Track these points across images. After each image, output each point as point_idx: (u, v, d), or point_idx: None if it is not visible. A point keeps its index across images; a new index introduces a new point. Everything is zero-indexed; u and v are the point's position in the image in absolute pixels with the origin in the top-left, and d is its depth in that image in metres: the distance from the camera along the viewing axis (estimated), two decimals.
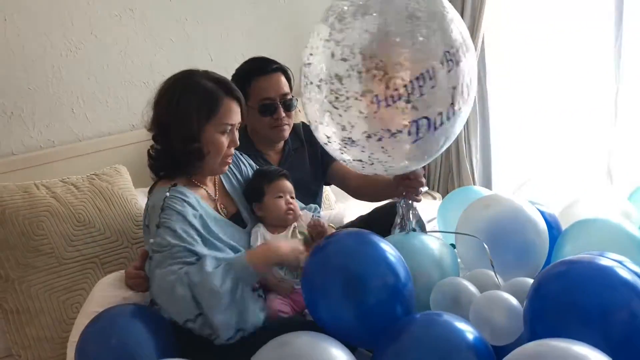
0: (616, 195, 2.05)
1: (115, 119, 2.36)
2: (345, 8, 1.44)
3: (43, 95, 2.16)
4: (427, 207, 2.36)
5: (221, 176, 1.75)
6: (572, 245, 1.65)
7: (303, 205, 1.85)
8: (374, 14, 1.40)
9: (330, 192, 2.75)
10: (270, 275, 1.63)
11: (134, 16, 2.39)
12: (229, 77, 1.93)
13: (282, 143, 2.12)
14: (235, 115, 1.62)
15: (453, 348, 1.18)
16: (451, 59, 1.40)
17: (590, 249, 1.53)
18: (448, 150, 3.46)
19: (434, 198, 3.17)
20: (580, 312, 1.16)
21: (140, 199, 2.03)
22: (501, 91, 3.27)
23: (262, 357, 1.17)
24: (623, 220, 1.71)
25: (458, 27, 1.47)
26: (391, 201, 2.14)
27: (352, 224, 2.20)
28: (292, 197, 1.78)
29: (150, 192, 1.66)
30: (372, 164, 1.54)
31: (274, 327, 1.45)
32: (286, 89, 2.02)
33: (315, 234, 1.69)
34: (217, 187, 1.73)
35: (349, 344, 1.27)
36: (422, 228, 1.93)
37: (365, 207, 2.27)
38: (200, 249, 1.48)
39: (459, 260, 1.66)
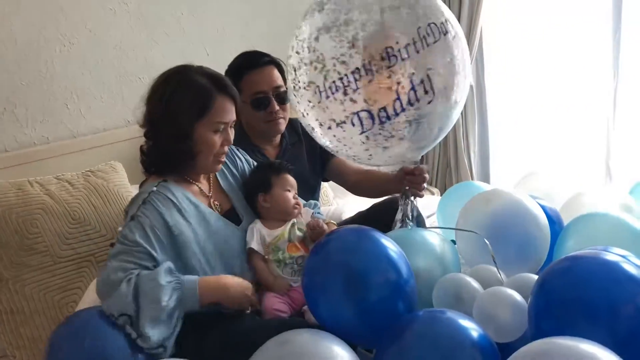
0: (617, 189, 2.03)
1: (110, 114, 2.33)
2: (314, 5, 1.59)
3: (36, 91, 2.12)
4: (426, 202, 2.34)
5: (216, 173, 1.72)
6: (574, 240, 1.62)
7: (303, 202, 1.83)
8: (322, 11, 1.53)
9: (328, 188, 2.73)
10: (265, 273, 1.62)
11: (128, 10, 2.35)
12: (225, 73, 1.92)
13: (279, 137, 2.09)
14: (228, 113, 1.58)
15: (457, 346, 1.16)
16: (394, 54, 1.46)
17: (592, 243, 1.50)
18: (446, 145, 3.45)
19: (432, 193, 3.16)
20: (586, 308, 1.14)
21: None
22: (499, 85, 3.26)
23: (262, 356, 1.15)
24: (625, 215, 1.69)
25: (413, 22, 1.51)
26: (390, 197, 2.13)
27: (351, 220, 2.19)
28: (296, 194, 1.76)
29: (141, 187, 1.64)
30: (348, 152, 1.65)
31: (272, 326, 1.42)
32: (279, 81, 1.99)
33: (314, 236, 1.66)
34: (211, 184, 1.70)
35: (350, 343, 1.25)
36: (421, 224, 1.92)
37: (363, 203, 2.25)
38: (161, 256, 1.46)
39: (459, 256, 1.64)
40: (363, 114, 1.51)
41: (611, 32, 2.79)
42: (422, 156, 2.01)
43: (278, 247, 1.65)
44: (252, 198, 1.72)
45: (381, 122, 1.52)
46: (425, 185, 1.90)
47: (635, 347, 1.10)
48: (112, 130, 2.31)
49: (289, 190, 1.73)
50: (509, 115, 3.28)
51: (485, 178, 3.51)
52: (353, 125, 1.53)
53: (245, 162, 1.83)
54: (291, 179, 1.75)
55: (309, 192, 2.10)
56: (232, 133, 1.62)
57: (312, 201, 1.90)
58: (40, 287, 1.73)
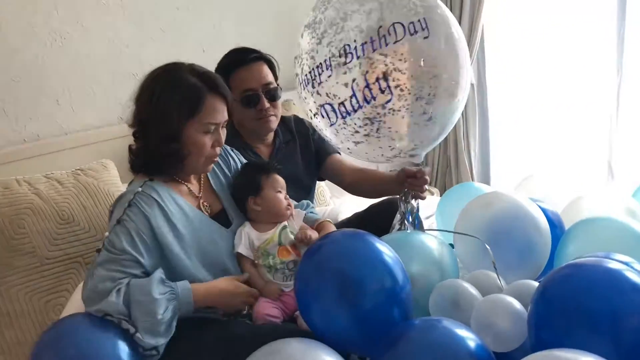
0: (620, 191, 1.98)
1: (103, 111, 2.28)
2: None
3: (26, 87, 2.07)
4: (425, 202, 2.29)
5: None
6: (576, 245, 1.58)
7: (295, 203, 1.78)
8: (316, 11, 1.63)
9: (325, 188, 2.68)
10: (256, 278, 1.58)
11: (122, 4, 2.30)
12: None
13: (272, 136, 2.05)
14: (219, 114, 1.53)
15: (453, 355, 1.12)
16: (351, 52, 1.53)
17: (594, 249, 1.47)
18: (446, 145, 3.41)
19: (432, 194, 3.12)
20: (588, 318, 1.10)
21: None
22: (501, 85, 3.22)
23: None
24: (628, 219, 1.64)
25: (376, 21, 1.54)
26: (388, 198, 2.09)
27: (347, 221, 2.15)
28: (287, 194, 1.71)
29: (129, 186, 1.60)
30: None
31: (263, 333, 1.39)
32: (269, 78, 1.94)
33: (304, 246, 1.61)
34: (202, 184, 1.65)
35: (343, 351, 1.21)
36: (420, 227, 1.88)
37: (361, 204, 2.21)
38: (148, 261, 1.43)
39: (458, 260, 1.59)
40: (327, 107, 1.61)
41: (615, 30, 2.75)
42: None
43: (268, 251, 1.60)
44: (241, 201, 1.67)
45: (342, 117, 1.59)
46: (426, 187, 1.86)
47: None
48: (105, 128, 2.26)
49: (280, 192, 1.68)
50: (510, 114, 3.25)
51: (486, 178, 3.48)
52: (322, 117, 1.63)
53: (239, 162, 1.79)
54: (281, 179, 1.70)
55: (303, 191, 2.06)
56: (224, 133, 1.58)
57: (305, 201, 1.85)
58: (26, 289, 1.68)
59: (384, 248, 1.33)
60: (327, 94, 1.59)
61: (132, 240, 1.41)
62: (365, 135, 1.62)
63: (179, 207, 1.52)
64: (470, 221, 1.58)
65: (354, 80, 1.54)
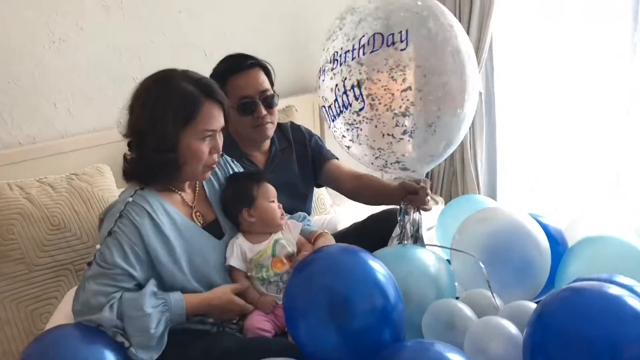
0: (629, 208, 1.93)
1: (102, 115, 2.25)
2: None
3: (24, 89, 2.04)
4: (428, 213, 2.25)
5: (204, 181, 1.64)
6: (578, 264, 1.54)
7: (288, 216, 1.74)
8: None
9: (325, 195, 2.64)
10: (250, 290, 1.54)
11: (123, 7, 2.27)
12: None
13: (268, 143, 2.01)
14: (216, 120, 1.49)
15: None
16: (337, 59, 1.63)
17: (598, 269, 1.42)
18: (452, 154, 3.35)
19: (437, 203, 3.06)
20: (586, 345, 1.06)
21: None
22: (508, 93, 3.17)
23: None
24: (633, 238, 1.59)
25: (360, 30, 1.60)
26: (387, 208, 2.05)
27: (346, 230, 2.11)
28: (280, 204, 1.67)
29: (121, 194, 1.56)
30: None
31: (253, 348, 1.36)
32: (265, 85, 1.91)
33: None
34: (196, 193, 1.62)
35: None
36: (419, 241, 1.83)
37: (360, 214, 2.17)
38: (140, 274, 1.42)
39: (454, 277, 1.54)
40: (323, 110, 1.74)
41: (627, 40, 2.68)
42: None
43: (261, 264, 1.56)
44: (234, 214, 1.62)
45: (332, 120, 1.70)
46: (429, 198, 1.82)
47: None
48: (103, 131, 2.23)
49: (273, 201, 1.64)
50: (518, 123, 3.19)
51: (492, 188, 3.42)
52: (325, 115, 1.74)
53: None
54: (272, 188, 1.66)
55: (300, 199, 2.02)
56: (220, 140, 1.55)
57: (301, 213, 1.82)
58: (13, 297, 1.65)
59: (376, 265, 1.28)
60: (322, 97, 1.71)
61: (124, 253, 1.40)
62: (350, 140, 1.69)
63: (170, 217, 1.49)
64: (467, 237, 1.53)
65: (336, 85, 1.62)
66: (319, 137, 2.15)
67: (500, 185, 3.39)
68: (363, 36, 1.57)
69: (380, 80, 1.55)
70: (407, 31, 1.52)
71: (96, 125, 2.25)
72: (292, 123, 2.14)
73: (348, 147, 1.73)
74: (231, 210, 1.62)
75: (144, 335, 1.35)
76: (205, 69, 1.98)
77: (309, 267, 1.30)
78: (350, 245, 1.39)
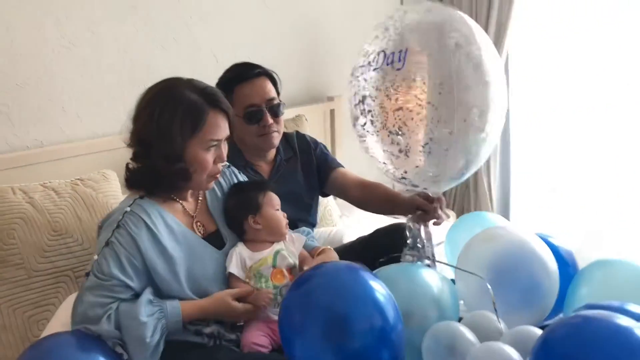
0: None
1: (110, 120, 2.23)
2: None
3: (32, 93, 2.03)
4: (438, 227, 2.21)
5: (207, 191, 1.62)
6: (588, 288, 1.48)
7: (291, 232, 1.71)
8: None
9: (334, 206, 2.61)
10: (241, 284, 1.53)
11: (135, 13, 2.27)
12: None
13: (273, 153, 1.99)
14: (221, 130, 1.48)
15: None
16: (353, 72, 1.71)
17: (608, 294, 1.37)
18: None
19: (448, 217, 2.99)
20: None
21: None
22: (523, 108, 3.12)
23: None
24: None
25: (376, 45, 1.65)
26: (395, 223, 2.02)
27: (351, 244, 2.08)
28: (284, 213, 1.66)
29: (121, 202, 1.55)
30: None
31: None
32: (272, 93, 1.89)
33: None
34: (199, 203, 1.59)
35: None
36: (431, 256, 1.79)
37: (368, 226, 2.13)
38: (137, 284, 1.41)
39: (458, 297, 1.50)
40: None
41: None
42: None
43: (261, 273, 1.53)
44: (238, 222, 1.60)
45: (353, 126, 1.76)
46: (440, 212, 1.79)
47: None
48: (111, 136, 2.22)
49: (278, 209, 1.62)
50: (532, 138, 3.14)
51: (505, 203, 3.36)
52: None
53: None
54: (276, 197, 1.65)
55: (304, 210, 1.99)
56: (225, 149, 1.53)
57: (305, 229, 1.80)
58: (10, 302, 1.63)
59: (376, 285, 1.25)
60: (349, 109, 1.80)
61: (121, 265, 1.39)
62: (364, 149, 1.76)
63: (169, 227, 1.47)
64: (473, 256, 1.49)
65: (352, 97, 1.72)
66: (324, 146, 2.13)
67: (513, 200, 3.33)
68: (372, 53, 1.63)
69: (377, 98, 1.60)
70: (406, 50, 1.54)
71: (105, 130, 2.24)
72: (297, 132, 2.12)
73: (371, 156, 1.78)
74: (236, 218, 1.60)
75: (141, 344, 1.34)
76: (216, 76, 1.97)
77: (307, 283, 1.28)
78: (351, 262, 1.36)
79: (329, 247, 1.76)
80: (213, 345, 1.49)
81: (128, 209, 1.44)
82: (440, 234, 2.19)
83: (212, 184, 1.57)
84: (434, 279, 1.45)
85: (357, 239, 2.06)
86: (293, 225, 1.76)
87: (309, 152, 2.05)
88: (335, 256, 1.69)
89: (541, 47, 2.98)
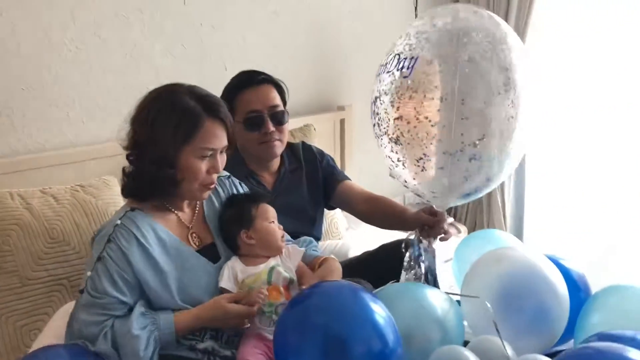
0: None
1: (115, 126, 2.15)
2: None
3: (37, 97, 2.01)
4: (448, 242, 2.15)
5: (205, 202, 1.57)
6: (600, 314, 1.41)
7: (291, 240, 1.66)
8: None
9: (340, 219, 2.55)
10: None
11: (143, 18, 2.24)
12: None
13: (277, 163, 1.94)
14: (217, 139, 1.44)
15: None
16: (378, 71, 1.66)
17: (622, 322, 1.31)
18: None
19: (459, 231, 2.92)
20: None
21: None
22: (537, 123, 3.05)
23: None
24: None
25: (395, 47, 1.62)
26: (400, 238, 1.96)
27: (357, 259, 2.02)
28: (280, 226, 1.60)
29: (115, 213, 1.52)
30: None
31: None
32: (276, 101, 1.85)
33: None
34: (195, 213, 1.55)
35: None
36: (433, 275, 1.73)
37: (374, 240, 2.08)
38: (131, 299, 1.39)
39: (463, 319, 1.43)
40: None
41: None
42: None
43: (253, 289, 1.47)
44: (232, 236, 1.54)
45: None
46: (445, 227, 1.73)
47: None
48: (115, 142, 2.18)
49: (273, 222, 1.56)
50: (548, 151, 3.07)
51: (519, 219, 3.29)
52: None
53: None
54: (271, 209, 1.59)
55: (308, 222, 1.94)
56: (222, 160, 1.49)
57: (307, 238, 1.72)
58: (2, 311, 1.60)
59: (376, 306, 1.19)
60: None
61: (113, 281, 1.37)
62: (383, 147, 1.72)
63: (160, 240, 1.44)
64: (479, 278, 1.42)
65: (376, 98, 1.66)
66: (331, 157, 2.07)
67: (527, 217, 3.26)
68: (391, 53, 1.59)
69: (384, 102, 1.56)
70: (416, 59, 1.48)
71: (109, 135, 2.21)
72: (303, 143, 2.07)
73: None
74: (229, 233, 1.55)
75: (134, 357, 1.32)
76: (224, 84, 1.93)
77: (304, 302, 1.22)
78: (351, 281, 1.31)
79: (332, 256, 1.70)
80: None
81: (119, 222, 1.41)
82: (449, 249, 2.14)
83: (208, 195, 1.53)
84: (438, 299, 1.39)
85: (363, 253, 2.01)
86: (295, 238, 1.71)
87: (314, 163, 2.00)
88: (337, 266, 1.63)
89: (558, 60, 2.92)
